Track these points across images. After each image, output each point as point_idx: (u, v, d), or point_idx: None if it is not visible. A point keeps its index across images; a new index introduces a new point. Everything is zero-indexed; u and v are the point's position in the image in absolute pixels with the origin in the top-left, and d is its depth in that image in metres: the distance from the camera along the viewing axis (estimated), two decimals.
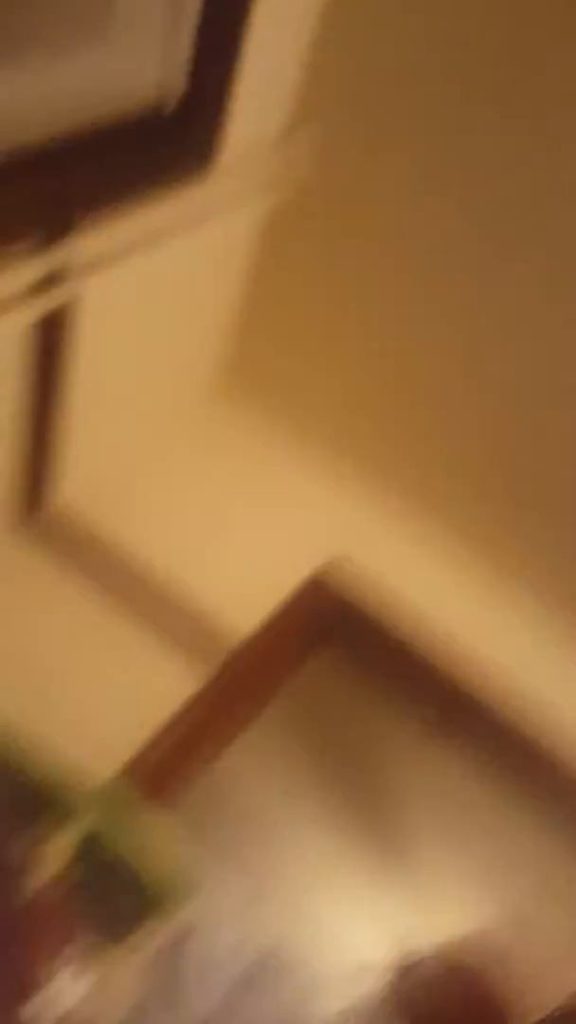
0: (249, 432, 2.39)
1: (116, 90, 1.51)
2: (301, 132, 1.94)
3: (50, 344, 1.71)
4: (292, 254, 2.15)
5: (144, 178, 1.59)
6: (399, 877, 2.07)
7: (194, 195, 1.71)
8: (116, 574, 1.98)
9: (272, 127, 1.93)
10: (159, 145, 1.60)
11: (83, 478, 2.06)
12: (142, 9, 1.47)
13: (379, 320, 2.12)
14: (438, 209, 1.91)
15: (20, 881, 1.17)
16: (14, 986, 1.16)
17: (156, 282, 1.88)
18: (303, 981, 1.37)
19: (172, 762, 1.77)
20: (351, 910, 1.95)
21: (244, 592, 2.02)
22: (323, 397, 2.35)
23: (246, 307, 2.28)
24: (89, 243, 1.55)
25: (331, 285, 2.15)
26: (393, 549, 2.23)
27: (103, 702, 1.76)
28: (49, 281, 1.54)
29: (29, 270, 1.47)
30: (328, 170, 1.98)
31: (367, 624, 2.11)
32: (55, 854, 1.39)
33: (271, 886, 1.91)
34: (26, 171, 1.42)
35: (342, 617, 2.12)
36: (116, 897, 1.43)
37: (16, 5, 1.27)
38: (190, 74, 1.61)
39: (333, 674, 2.22)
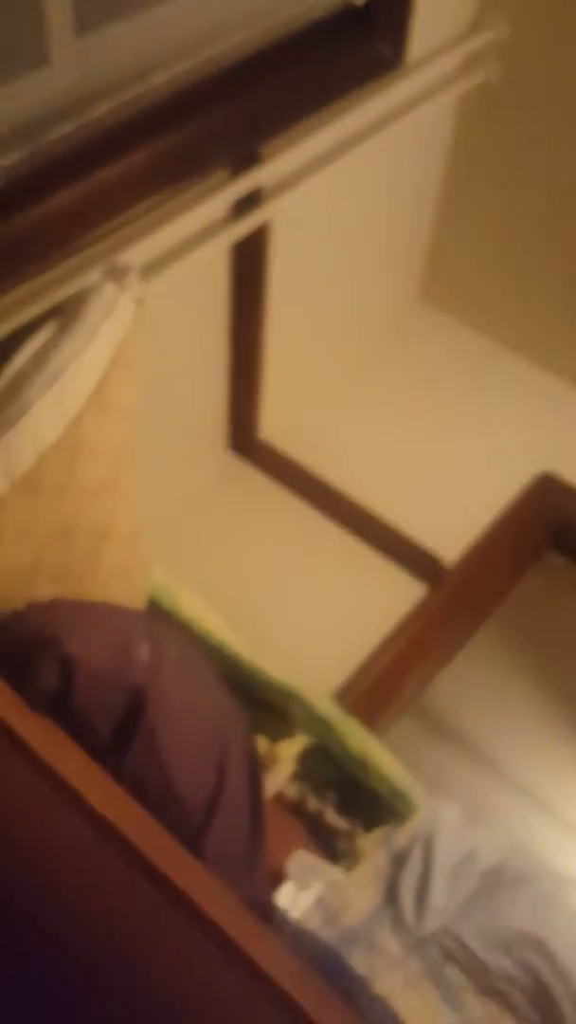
0: (447, 347, 2.31)
1: None
2: (489, 25, 1.83)
3: (248, 269, 1.72)
4: (484, 151, 2.04)
5: (337, 77, 1.55)
6: None
7: (385, 93, 1.65)
8: (324, 494, 1.99)
9: (459, 20, 1.83)
10: (349, 42, 1.56)
11: (286, 401, 2.07)
12: None
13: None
14: None
15: (256, 780, 1.21)
16: (264, 881, 1.20)
17: (349, 193, 1.84)
18: (543, 886, 1.34)
19: (391, 678, 1.77)
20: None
21: (456, 508, 1.98)
22: (521, 307, 2.23)
23: (440, 214, 2.20)
24: (282, 159, 1.54)
25: (526, 182, 2.03)
26: None
27: (321, 616, 1.79)
28: (244, 203, 1.54)
29: (225, 193, 1.48)
30: (515, 64, 1.86)
31: None
32: (288, 758, 1.43)
33: (502, 798, 1.89)
34: (222, 89, 1.42)
35: (557, 530, 2.03)
36: (350, 801, 1.45)
37: None
38: None
39: (551, 589, 2.14)
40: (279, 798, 1.42)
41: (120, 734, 1.03)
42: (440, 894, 1.30)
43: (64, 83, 1.27)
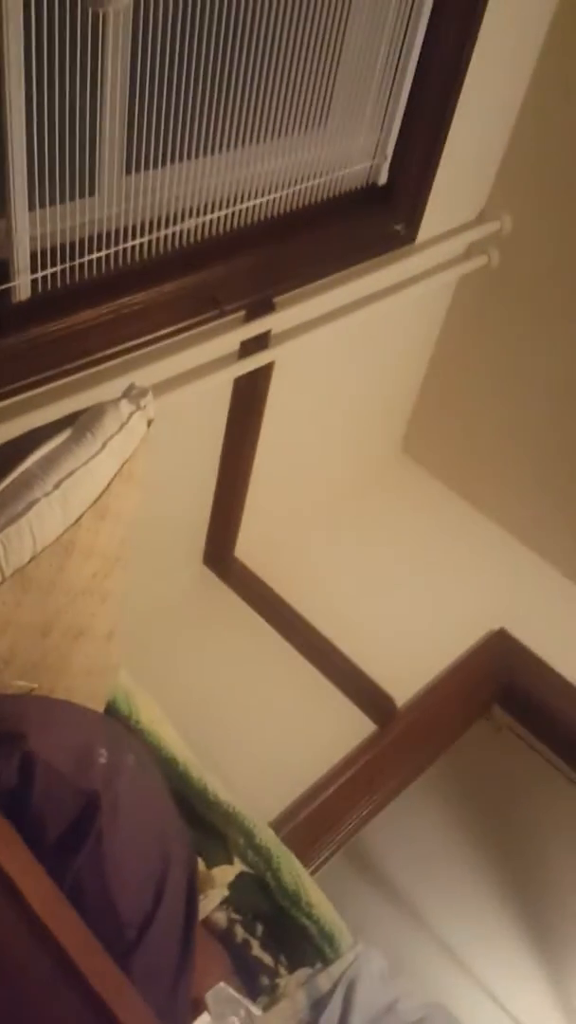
0: (422, 499, 2.42)
1: (332, 168, 1.64)
2: (494, 216, 2.02)
3: (247, 401, 1.82)
4: (476, 326, 2.20)
5: (354, 245, 1.69)
6: (556, 949, 1.98)
7: (395, 265, 1.80)
8: (289, 620, 2.03)
9: (468, 209, 2.02)
10: (369, 216, 1.71)
11: (264, 526, 2.15)
12: (356, 101, 1.61)
13: (561, 401, 2.14)
14: None
15: (193, 903, 1.20)
16: (184, 1008, 1.18)
17: (349, 346, 1.97)
18: None
19: (331, 812, 1.77)
20: (506, 979, 1.87)
21: (413, 652, 2.03)
22: (495, 474, 2.36)
23: (429, 376, 2.34)
24: (293, 310, 1.66)
25: (514, 364, 2.19)
26: (557, 622, 2.19)
27: (271, 741, 1.80)
28: (253, 342, 1.65)
29: (237, 333, 1.59)
30: (514, 253, 2.05)
31: (530, 696, 2.07)
32: (223, 883, 1.42)
33: (424, 950, 1.86)
34: (248, 241, 1.55)
35: (506, 686, 2.09)
36: (277, 936, 1.43)
37: (257, 104, 1.42)
38: (398, 155, 1.72)
39: (493, 744, 2.17)
40: (207, 924, 1.40)
41: (68, 837, 1.03)
42: None
43: (107, 213, 1.38)
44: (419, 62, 1.61)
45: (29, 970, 0.95)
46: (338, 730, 1.88)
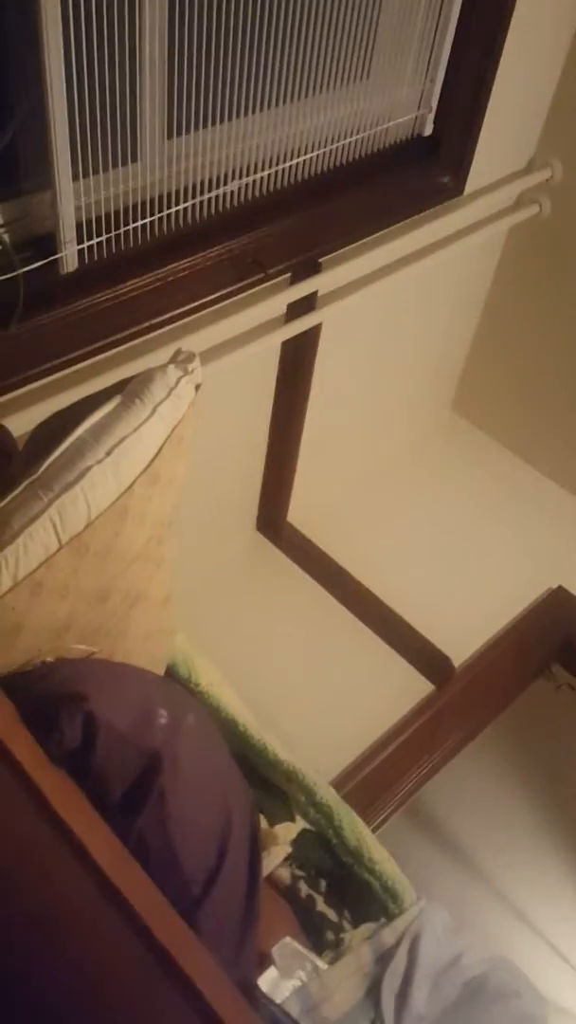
0: (475, 458, 2.39)
1: (376, 122, 1.60)
2: (544, 164, 1.96)
3: (295, 365, 1.81)
4: (527, 280, 2.15)
5: (401, 200, 1.66)
6: None
7: (443, 219, 1.76)
8: (344, 583, 2.04)
9: (517, 158, 1.96)
10: (415, 169, 1.68)
11: (316, 490, 2.15)
12: (398, 51, 1.57)
13: None
14: None
15: (256, 859, 1.22)
16: (251, 962, 1.20)
17: (397, 305, 1.94)
18: (524, 1004, 1.33)
19: (390, 772, 1.79)
20: (569, 933, 1.88)
21: (469, 612, 2.02)
22: (548, 428, 2.32)
23: (479, 333, 2.30)
24: (339, 270, 1.64)
25: (568, 315, 2.13)
26: None
27: (329, 702, 1.82)
28: (299, 304, 1.64)
29: (284, 295, 1.58)
30: (565, 203, 1.99)
31: None
32: (285, 840, 1.44)
33: (486, 906, 1.88)
34: (292, 202, 1.54)
35: (564, 644, 2.07)
36: (341, 892, 1.45)
37: (298, 60, 1.40)
38: (443, 105, 1.68)
39: (553, 703, 2.16)
40: (271, 880, 1.43)
41: (131, 796, 1.06)
42: (421, 999, 1.29)
43: (150, 179, 1.38)
44: (462, 9, 1.56)
45: (98, 928, 0.98)
46: (396, 691, 1.88)
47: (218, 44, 1.31)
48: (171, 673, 1.50)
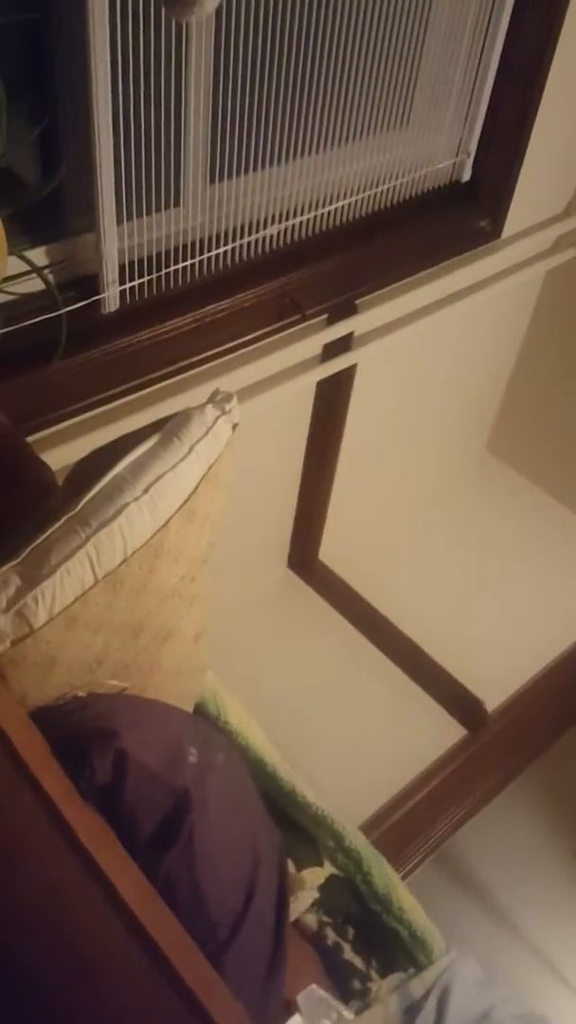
0: (509, 499, 2.38)
1: (414, 167, 1.63)
2: None
3: (330, 404, 1.82)
4: (564, 322, 2.15)
5: (438, 244, 1.68)
6: None
7: (481, 262, 1.78)
8: (375, 623, 2.02)
9: (555, 202, 1.97)
10: (453, 213, 1.70)
11: (348, 529, 2.15)
12: (438, 99, 1.59)
13: None
14: None
15: (283, 903, 1.20)
16: (276, 1008, 1.18)
17: (433, 346, 1.95)
18: None
19: (421, 818, 1.76)
20: None
21: (504, 656, 2.00)
22: None
23: (515, 374, 2.30)
24: (376, 311, 1.66)
25: None
26: None
27: (359, 744, 1.80)
28: (335, 345, 1.65)
29: (320, 336, 1.60)
30: None
31: None
32: (312, 885, 1.42)
33: (519, 959, 1.83)
34: (330, 245, 1.56)
35: None
36: (369, 940, 1.43)
37: (338, 107, 1.43)
38: (481, 150, 1.70)
39: None
40: (298, 926, 1.40)
41: (160, 835, 1.05)
42: None
43: (191, 223, 1.40)
44: (502, 57, 1.59)
45: (124, 966, 0.97)
46: (427, 734, 1.86)
47: (261, 92, 1.34)
48: (200, 710, 1.50)
